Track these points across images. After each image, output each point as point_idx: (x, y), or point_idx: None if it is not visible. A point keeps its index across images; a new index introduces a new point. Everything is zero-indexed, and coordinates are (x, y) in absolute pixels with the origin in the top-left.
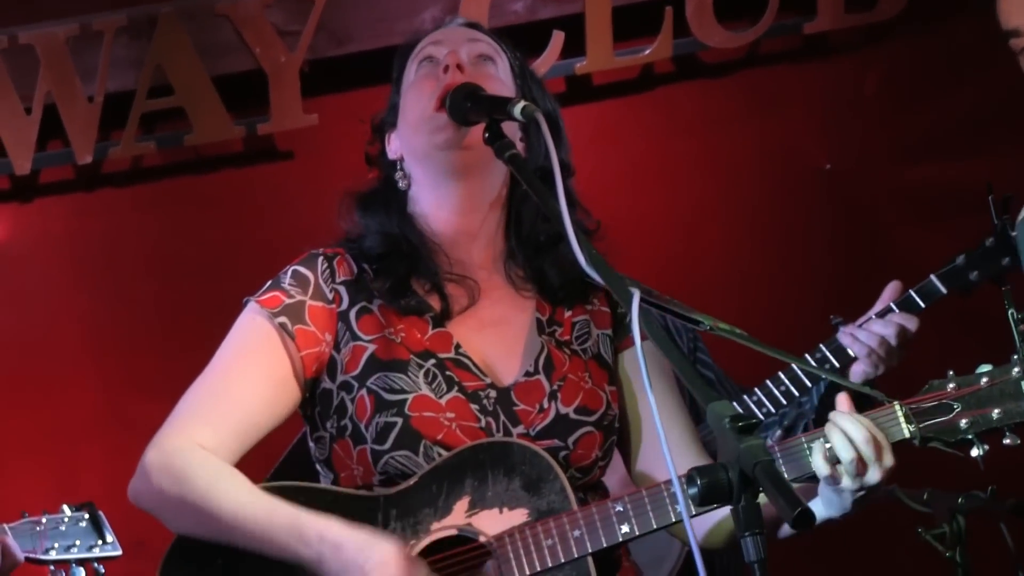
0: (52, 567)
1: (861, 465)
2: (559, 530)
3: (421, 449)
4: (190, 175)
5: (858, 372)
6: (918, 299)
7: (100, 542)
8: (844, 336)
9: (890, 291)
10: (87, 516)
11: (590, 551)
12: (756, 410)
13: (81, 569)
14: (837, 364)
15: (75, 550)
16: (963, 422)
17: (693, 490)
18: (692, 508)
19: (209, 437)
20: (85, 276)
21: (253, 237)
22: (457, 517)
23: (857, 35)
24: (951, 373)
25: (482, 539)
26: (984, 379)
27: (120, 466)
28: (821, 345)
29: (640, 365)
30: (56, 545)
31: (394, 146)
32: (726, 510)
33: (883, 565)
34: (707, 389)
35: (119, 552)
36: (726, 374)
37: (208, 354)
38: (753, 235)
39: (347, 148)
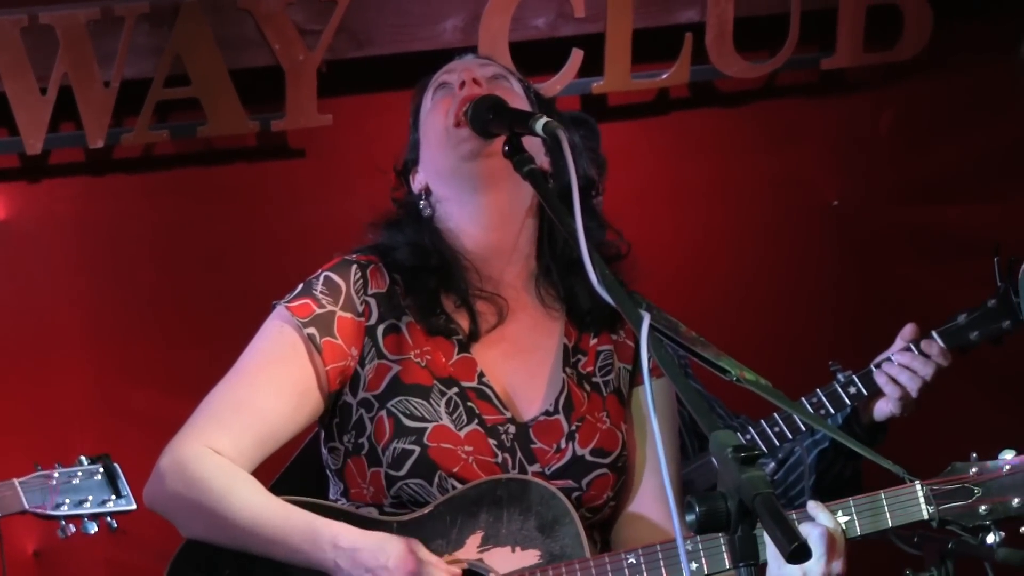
0: (63, 522)
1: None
2: None
3: (436, 480)
4: (201, 166)
5: (883, 411)
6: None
7: (114, 496)
8: (880, 376)
9: (910, 332)
10: (102, 469)
11: None
12: None
13: (94, 523)
14: (833, 410)
15: (87, 505)
16: (982, 508)
17: (691, 517)
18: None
19: (228, 446)
20: (88, 260)
21: (259, 233)
22: (469, 551)
23: (875, 73)
24: (974, 456)
25: None
26: (1006, 467)
27: (108, 452)
28: (818, 390)
29: (648, 399)
30: (68, 500)
31: (418, 179)
32: None
33: None
34: (712, 417)
35: (133, 506)
36: (719, 400)
37: (206, 348)
38: (758, 264)
39: (359, 150)
